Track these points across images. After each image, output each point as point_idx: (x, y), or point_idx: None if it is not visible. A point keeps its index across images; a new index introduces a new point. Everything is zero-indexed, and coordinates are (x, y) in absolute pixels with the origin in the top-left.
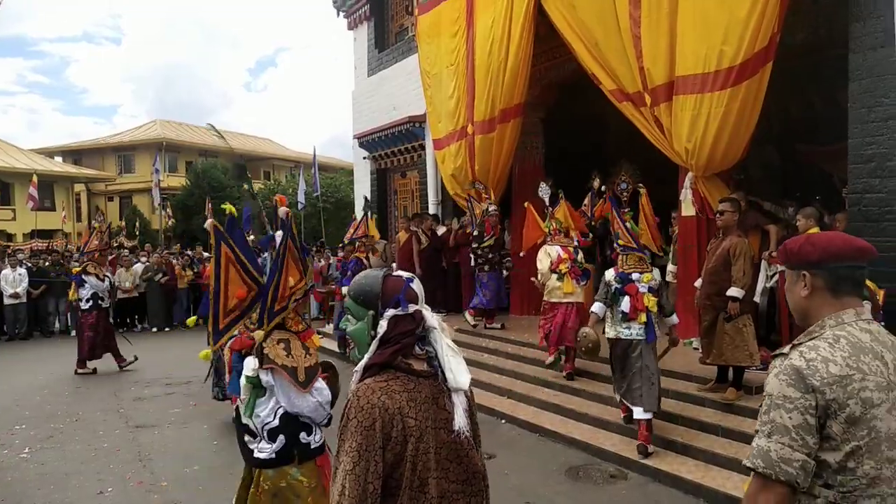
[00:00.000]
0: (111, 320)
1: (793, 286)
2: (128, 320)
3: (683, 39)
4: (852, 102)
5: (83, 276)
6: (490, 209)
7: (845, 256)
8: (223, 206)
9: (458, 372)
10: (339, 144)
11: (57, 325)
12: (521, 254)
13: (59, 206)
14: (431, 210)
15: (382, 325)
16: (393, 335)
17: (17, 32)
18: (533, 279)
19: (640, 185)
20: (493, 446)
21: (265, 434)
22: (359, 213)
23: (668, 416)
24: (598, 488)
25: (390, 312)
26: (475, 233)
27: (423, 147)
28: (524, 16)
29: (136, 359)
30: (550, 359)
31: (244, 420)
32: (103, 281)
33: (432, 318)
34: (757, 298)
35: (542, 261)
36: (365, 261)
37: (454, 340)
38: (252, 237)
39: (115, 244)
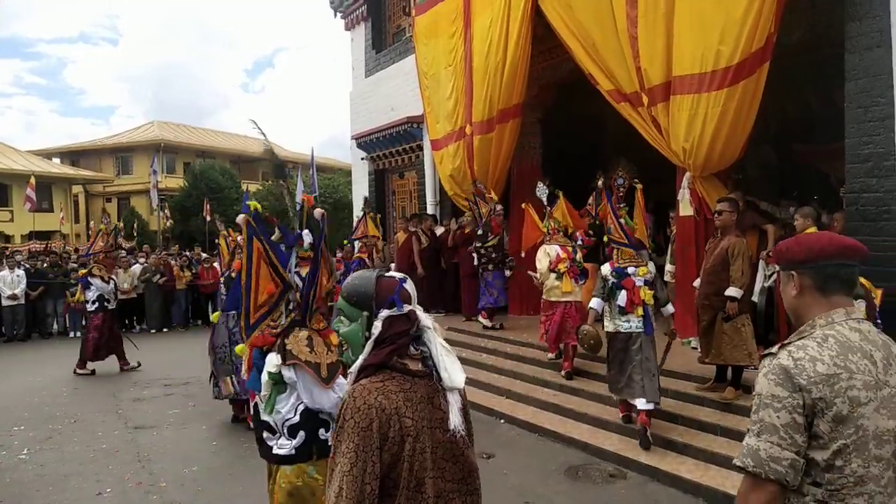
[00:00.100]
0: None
1: (785, 286)
2: (126, 321)
3: (680, 39)
4: (849, 102)
5: (88, 278)
6: (497, 208)
7: (831, 255)
8: (249, 202)
9: (452, 371)
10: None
11: (55, 326)
12: (523, 254)
13: (57, 207)
14: (429, 210)
15: (377, 326)
16: (388, 335)
17: (14, 33)
18: (530, 272)
19: (636, 180)
20: (493, 446)
21: (285, 430)
22: (359, 214)
23: (667, 416)
24: (598, 488)
25: (385, 313)
26: (479, 232)
27: (421, 148)
28: (522, 16)
29: (139, 365)
30: (551, 355)
31: (263, 417)
32: (108, 283)
33: (426, 317)
34: (755, 298)
35: (542, 260)
36: (368, 261)
37: (453, 340)
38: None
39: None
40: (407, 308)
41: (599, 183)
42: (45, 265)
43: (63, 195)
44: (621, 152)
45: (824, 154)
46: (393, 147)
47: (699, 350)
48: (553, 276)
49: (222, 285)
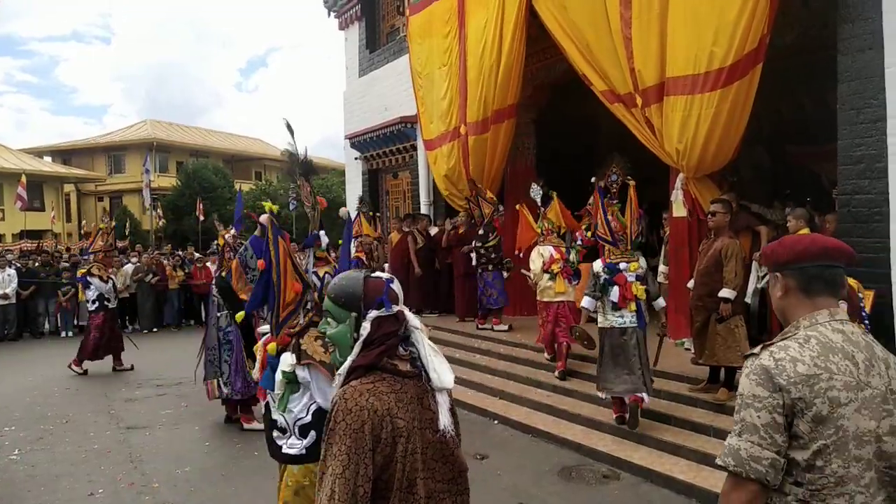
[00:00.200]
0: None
1: (772, 288)
2: (118, 321)
3: (674, 41)
4: (841, 104)
5: (88, 278)
6: (500, 208)
7: (814, 256)
8: (264, 203)
9: (442, 371)
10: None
11: (46, 325)
12: (521, 254)
13: (49, 206)
14: (423, 210)
15: (366, 327)
16: (377, 336)
17: (6, 31)
18: (524, 271)
19: (629, 177)
20: (486, 447)
21: (296, 430)
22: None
23: (660, 417)
24: (591, 489)
25: (373, 314)
26: (481, 231)
27: (414, 148)
28: (516, 17)
29: (132, 367)
30: (548, 357)
31: (275, 416)
32: (107, 282)
33: (413, 318)
34: (748, 299)
35: (535, 261)
36: (366, 261)
37: (447, 341)
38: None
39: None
40: (395, 308)
41: (593, 180)
42: (36, 264)
43: (55, 194)
44: (613, 154)
45: (817, 156)
46: (387, 147)
47: (692, 351)
48: (546, 276)
49: (213, 286)
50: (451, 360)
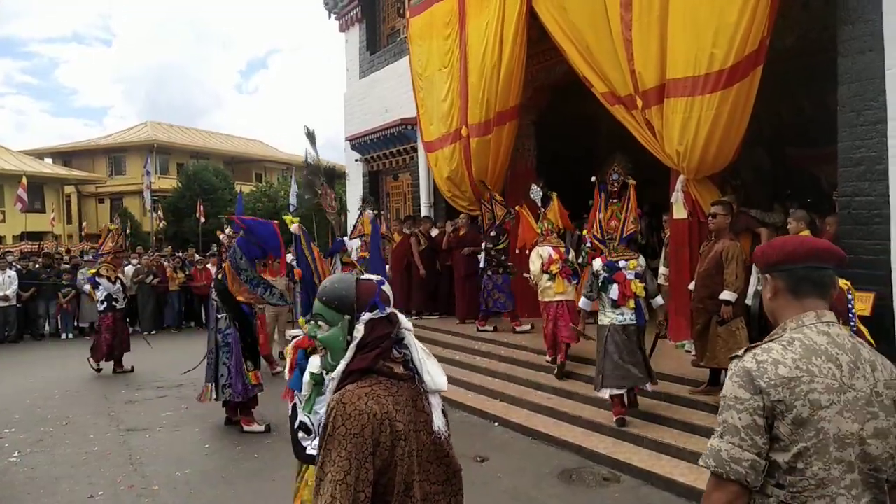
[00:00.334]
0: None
1: (762, 290)
2: (127, 321)
3: (674, 42)
4: (841, 106)
5: (97, 279)
6: (512, 211)
7: (802, 258)
8: (285, 217)
9: (435, 374)
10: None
11: (47, 327)
12: (528, 250)
13: (49, 207)
14: (423, 212)
15: (359, 330)
16: (371, 339)
17: (6, 33)
18: (525, 275)
19: (630, 177)
20: (486, 449)
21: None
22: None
23: (660, 419)
24: (592, 491)
25: (367, 316)
26: (492, 234)
27: (415, 149)
28: (516, 19)
29: (132, 369)
30: (549, 358)
31: (301, 417)
32: (115, 283)
33: (405, 320)
34: (749, 301)
35: (534, 262)
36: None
37: (448, 343)
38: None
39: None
40: (388, 310)
41: (593, 179)
42: (37, 266)
43: (55, 195)
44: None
45: (817, 158)
46: (387, 148)
47: (693, 353)
48: (546, 277)
49: (213, 289)
50: (451, 362)
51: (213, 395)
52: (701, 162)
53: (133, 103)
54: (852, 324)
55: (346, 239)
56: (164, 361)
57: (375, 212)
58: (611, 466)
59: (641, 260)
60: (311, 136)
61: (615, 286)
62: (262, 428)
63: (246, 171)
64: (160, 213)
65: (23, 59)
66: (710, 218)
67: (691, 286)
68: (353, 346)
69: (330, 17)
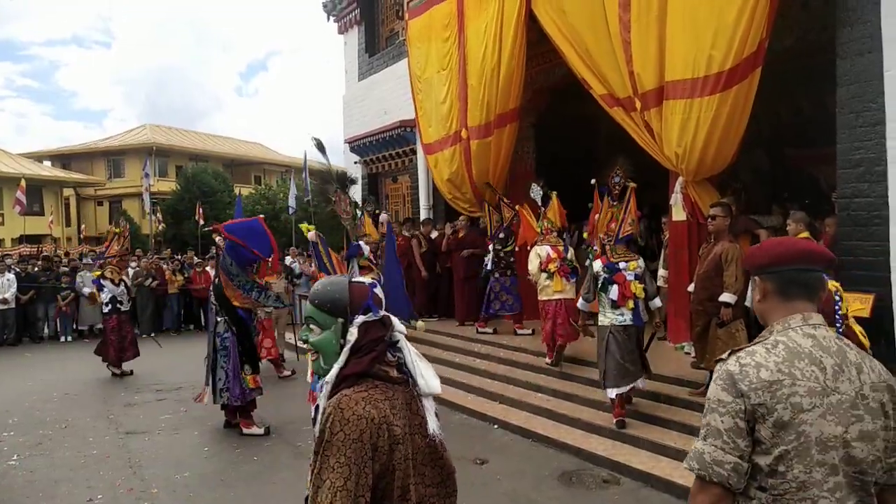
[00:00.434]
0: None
1: (752, 291)
2: (131, 323)
3: (673, 44)
4: (840, 107)
5: (101, 281)
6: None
7: (790, 259)
8: (301, 226)
9: (429, 377)
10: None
11: (46, 330)
12: (529, 247)
13: (48, 210)
14: (423, 214)
15: (353, 333)
16: (365, 343)
17: (6, 36)
18: (529, 277)
19: (630, 180)
20: (486, 451)
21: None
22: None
23: (660, 421)
24: (591, 493)
25: (360, 319)
26: (501, 235)
27: (414, 151)
28: (515, 21)
29: (131, 372)
30: (548, 361)
31: None
32: (118, 285)
33: (398, 322)
34: (749, 303)
35: (533, 261)
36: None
37: (447, 345)
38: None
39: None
40: (381, 313)
41: (593, 181)
42: (35, 269)
43: (54, 198)
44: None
45: (816, 159)
46: (386, 151)
47: (692, 355)
48: (544, 275)
49: (211, 292)
50: (450, 364)
51: (211, 399)
52: (700, 164)
53: (133, 106)
54: (838, 325)
55: (361, 243)
56: (163, 364)
57: (370, 210)
58: (610, 468)
59: (641, 262)
60: (320, 147)
61: (615, 287)
62: (261, 431)
63: (245, 173)
64: (159, 215)
65: (24, 62)
66: (709, 220)
67: (690, 288)
68: (346, 349)
69: (329, 19)
